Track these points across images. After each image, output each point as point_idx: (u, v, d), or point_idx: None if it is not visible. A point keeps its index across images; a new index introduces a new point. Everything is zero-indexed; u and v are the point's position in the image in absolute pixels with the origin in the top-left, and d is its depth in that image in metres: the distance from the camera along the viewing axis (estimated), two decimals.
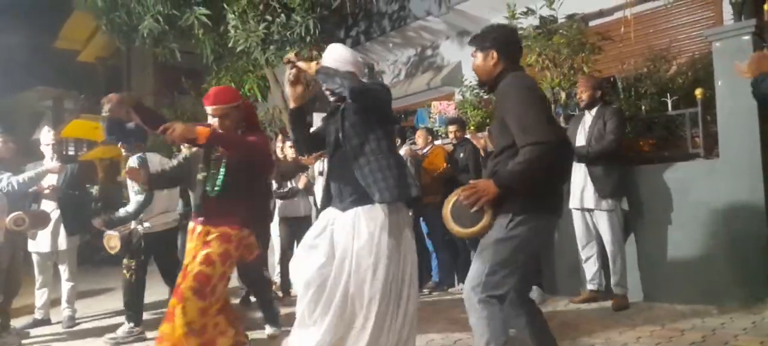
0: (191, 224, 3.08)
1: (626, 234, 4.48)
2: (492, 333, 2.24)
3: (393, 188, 2.50)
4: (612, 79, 5.17)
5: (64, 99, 16.15)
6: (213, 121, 2.96)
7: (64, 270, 5.07)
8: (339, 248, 2.52)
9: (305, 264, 2.58)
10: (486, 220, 2.26)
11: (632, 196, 4.50)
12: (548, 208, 2.35)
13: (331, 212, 2.64)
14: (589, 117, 4.43)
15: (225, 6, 7.45)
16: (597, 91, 4.40)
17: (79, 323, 5.06)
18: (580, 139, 4.40)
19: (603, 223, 4.32)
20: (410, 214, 2.75)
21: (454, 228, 2.33)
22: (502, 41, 2.45)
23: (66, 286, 5.08)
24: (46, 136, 4.93)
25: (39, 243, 4.89)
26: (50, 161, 4.81)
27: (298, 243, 3.80)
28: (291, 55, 2.75)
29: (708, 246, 4.14)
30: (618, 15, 6.10)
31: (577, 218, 4.50)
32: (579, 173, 4.35)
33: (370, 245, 2.45)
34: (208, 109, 2.96)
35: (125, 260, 4.33)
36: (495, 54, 2.43)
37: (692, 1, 5.96)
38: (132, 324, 4.33)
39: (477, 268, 2.33)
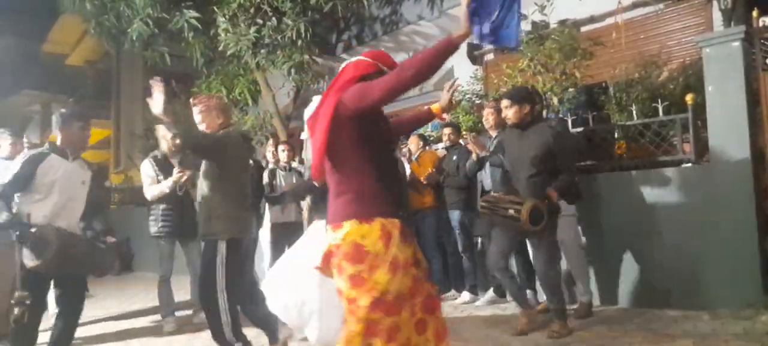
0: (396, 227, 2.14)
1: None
2: None
3: None
4: (604, 84, 5.17)
5: (52, 103, 15.98)
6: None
7: None
8: None
9: None
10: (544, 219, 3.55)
11: (623, 202, 4.49)
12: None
13: None
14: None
15: (215, 9, 7.39)
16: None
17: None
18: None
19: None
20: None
21: (530, 228, 3.49)
22: (531, 99, 3.74)
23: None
24: (1, 136, 4.54)
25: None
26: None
27: (288, 248, 3.74)
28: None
29: (699, 252, 4.14)
30: (609, 21, 6.12)
31: None
32: None
33: None
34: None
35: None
36: (528, 107, 3.72)
37: (683, 8, 5.98)
38: None
39: None
